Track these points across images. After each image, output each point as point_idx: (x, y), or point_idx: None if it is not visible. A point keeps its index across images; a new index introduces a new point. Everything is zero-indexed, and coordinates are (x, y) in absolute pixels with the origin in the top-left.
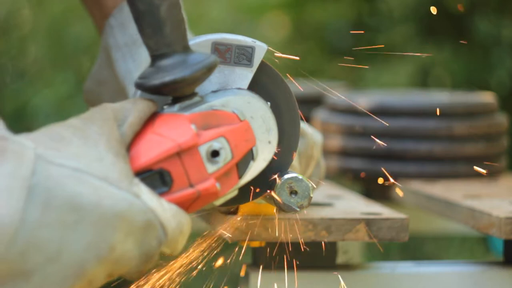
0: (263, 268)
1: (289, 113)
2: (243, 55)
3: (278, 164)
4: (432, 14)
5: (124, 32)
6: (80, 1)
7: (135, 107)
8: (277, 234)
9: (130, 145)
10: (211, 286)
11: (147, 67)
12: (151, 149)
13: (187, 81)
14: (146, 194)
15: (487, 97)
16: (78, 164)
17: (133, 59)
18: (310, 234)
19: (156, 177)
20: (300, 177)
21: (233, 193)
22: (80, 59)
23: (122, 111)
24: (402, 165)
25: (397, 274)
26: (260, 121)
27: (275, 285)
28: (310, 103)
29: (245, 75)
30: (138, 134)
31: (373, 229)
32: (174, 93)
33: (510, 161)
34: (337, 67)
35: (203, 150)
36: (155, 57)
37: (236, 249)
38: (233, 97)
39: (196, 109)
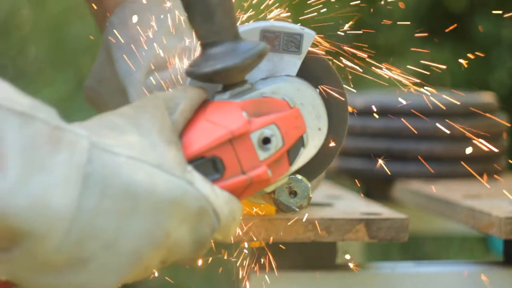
0: (263, 268)
1: (338, 99)
2: (291, 42)
3: (327, 151)
4: (432, 14)
5: (125, 31)
6: None
7: (186, 95)
8: (277, 234)
9: (182, 133)
10: (211, 287)
11: (198, 55)
12: (204, 137)
13: (238, 68)
14: (199, 181)
15: (487, 97)
16: (132, 152)
17: (134, 59)
18: (310, 234)
19: (208, 164)
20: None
21: (283, 179)
22: (80, 59)
23: (173, 99)
24: (402, 165)
25: (397, 274)
26: (310, 108)
27: (275, 285)
28: None
29: (294, 62)
30: (189, 121)
31: (373, 229)
32: (224, 81)
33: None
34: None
35: (255, 137)
36: (205, 45)
37: (236, 249)
38: (283, 84)
39: (246, 96)
